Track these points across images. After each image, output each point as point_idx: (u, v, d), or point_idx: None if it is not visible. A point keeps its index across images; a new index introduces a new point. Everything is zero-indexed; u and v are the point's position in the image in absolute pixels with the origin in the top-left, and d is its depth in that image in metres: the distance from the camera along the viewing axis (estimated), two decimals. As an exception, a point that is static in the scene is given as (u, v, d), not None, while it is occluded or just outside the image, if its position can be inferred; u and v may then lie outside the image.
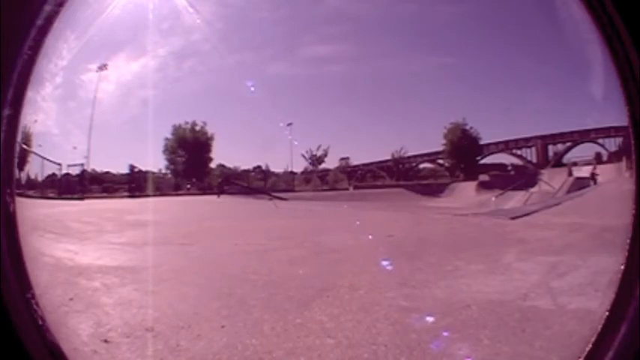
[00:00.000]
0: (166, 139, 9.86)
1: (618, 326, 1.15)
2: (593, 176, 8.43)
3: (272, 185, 10.55)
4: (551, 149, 10.03)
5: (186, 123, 9.76)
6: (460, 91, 7.67)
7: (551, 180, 9.46)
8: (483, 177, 10.21)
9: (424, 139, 9.45)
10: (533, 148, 10.24)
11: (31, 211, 4.52)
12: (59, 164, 8.04)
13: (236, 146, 10.53)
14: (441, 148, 10.34)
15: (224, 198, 9.96)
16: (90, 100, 7.49)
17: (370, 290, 3.86)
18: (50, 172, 8.03)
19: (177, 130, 9.84)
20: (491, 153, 10.56)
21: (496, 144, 10.57)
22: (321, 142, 10.07)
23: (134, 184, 9.36)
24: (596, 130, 8.68)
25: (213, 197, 9.99)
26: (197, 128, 9.84)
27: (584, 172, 9.09)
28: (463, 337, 3.02)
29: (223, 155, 10.78)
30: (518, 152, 10.39)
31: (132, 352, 2.90)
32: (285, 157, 9.96)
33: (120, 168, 9.55)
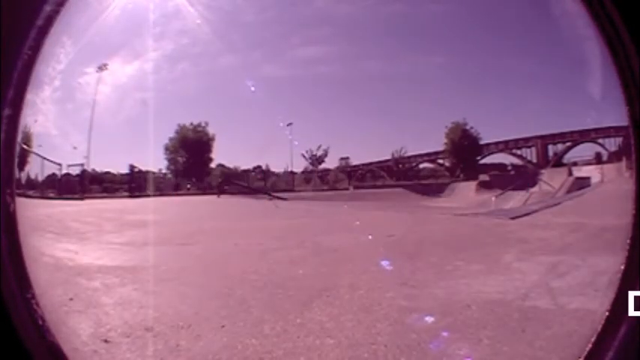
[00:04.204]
0: (170, 138, 9.87)
1: (618, 326, 1.15)
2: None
3: (272, 185, 10.53)
4: (551, 149, 10.01)
5: (191, 124, 9.79)
6: (460, 91, 7.66)
7: (551, 180, 9.45)
8: (483, 177, 10.18)
9: (424, 138, 9.43)
10: (533, 148, 10.22)
11: (31, 211, 4.52)
12: (59, 164, 8.02)
13: (236, 146, 10.51)
14: (441, 148, 10.33)
15: (224, 198, 9.95)
16: (90, 100, 7.48)
17: (370, 290, 3.86)
18: (50, 172, 8.01)
19: (180, 129, 9.85)
20: (491, 153, 10.53)
21: (496, 144, 10.54)
22: (321, 142, 10.03)
23: (134, 184, 9.34)
24: (596, 130, 8.65)
25: (214, 197, 9.98)
26: (199, 128, 9.85)
27: (584, 172, 9.08)
28: (463, 337, 3.02)
29: (223, 155, 10.76)
30: (518, 152, 10.37)
31: (132, 352, 2.90)
32: (285, 157, 9.93)
33: (120, 168, 9.53)
